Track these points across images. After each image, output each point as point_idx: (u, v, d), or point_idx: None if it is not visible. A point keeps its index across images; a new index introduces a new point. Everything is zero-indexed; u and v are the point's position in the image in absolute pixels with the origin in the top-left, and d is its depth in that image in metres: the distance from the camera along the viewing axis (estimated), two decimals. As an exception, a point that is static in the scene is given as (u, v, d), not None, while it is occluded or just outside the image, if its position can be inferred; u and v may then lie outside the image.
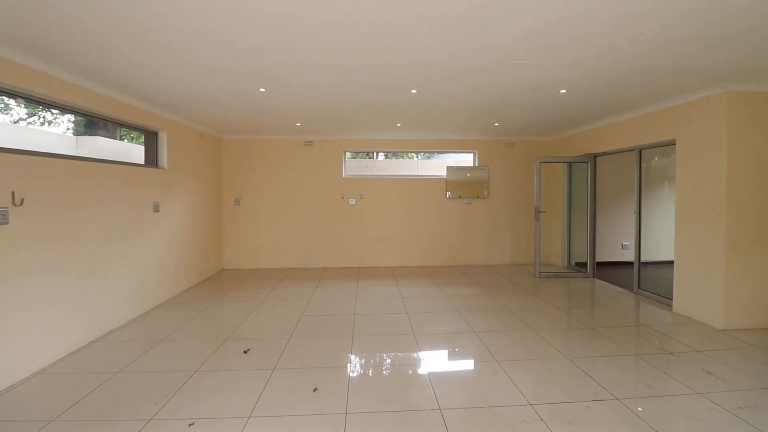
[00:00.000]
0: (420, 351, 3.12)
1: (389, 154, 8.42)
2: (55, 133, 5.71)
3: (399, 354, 3.08)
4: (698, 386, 2.55)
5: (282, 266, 6.49)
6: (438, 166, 7.70)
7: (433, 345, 3.26)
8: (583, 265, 6.08)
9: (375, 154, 8.46)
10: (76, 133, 6.69)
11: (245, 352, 3.08)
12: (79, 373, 2.76)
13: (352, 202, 6.54)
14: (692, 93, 3.78)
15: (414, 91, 3.58)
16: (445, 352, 3.13)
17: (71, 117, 6.58)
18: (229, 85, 3.46)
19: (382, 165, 8.44)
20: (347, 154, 6.79)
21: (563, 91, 3.61)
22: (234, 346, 3.22)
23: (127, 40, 2.48)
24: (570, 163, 6.26)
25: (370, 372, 2.77)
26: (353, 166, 7.24)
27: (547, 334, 3.45)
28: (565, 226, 6.38)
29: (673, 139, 4.15)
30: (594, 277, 5.72)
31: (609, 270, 6.09)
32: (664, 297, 4.42)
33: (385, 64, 2.89)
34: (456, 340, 3.36)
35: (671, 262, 4.15)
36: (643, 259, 4.96)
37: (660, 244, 5.74)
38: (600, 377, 2.66)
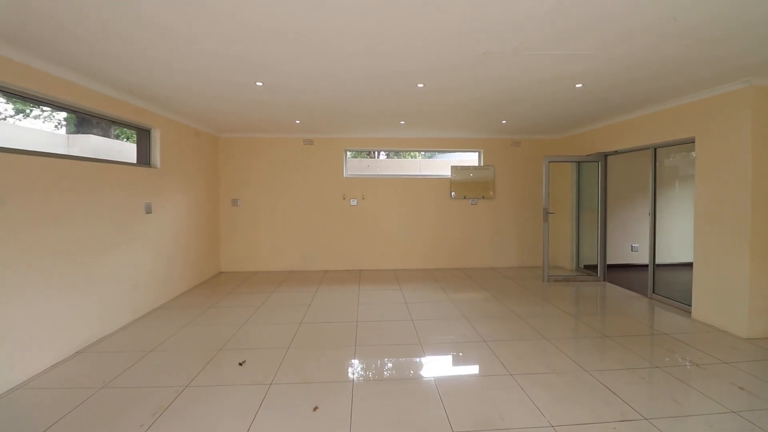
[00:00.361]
0: (428, 364, 2.92)
1: (391, 154, 8.21)
2: (44, 131, 5.50)
3: (405, 367, 2.87)
4: (732, 403, 2.34)
5: (281, 269, 6.29)
6: (441, 165, 7.49)
7: (442, 357, 3.06)
8: (592, 267, 5.88)
9: (377, 153, 8.25)
10: (69, 131, 6.46)
11: (240, 364, 2.88)
12: (61, 387, 2.56)
13: (354, 202, 6.34)
14: (714, 87, 3.57)
15: (421, 85, 3.37)
16: (455, 365, 2.92)
17: (63, 114, 6.36)
18: (225, 78, 3.26)
19: (383, 165, 8.23)
20: (348, 153, 6.58)
21: (579, 85, 3.40)
22: (228, 357, 3.02)
23: (120, 21, 2.27)
24: (579, 163, 6.05)
25: (375, 388, 2.56)
26: (354, 166, 7.03)
27: (562, 344, 3.25)
28: (574, 227, 6.17)
29: (693, 137, 3.94)
30: (605, 280, 5.51)
31: (619, 273, 5.89)
32: (682, 302, 4.22)
33: (392, 52, 2.68)
34: (466, 350, 3.15)
35: (685, 265, 3.95)
36: (656, 261, 4.75)
37: (671, 246, 5.54)
38: (624, 393, 2.46)
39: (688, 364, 2.90)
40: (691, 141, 3.99)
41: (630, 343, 3.28)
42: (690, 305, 4.01)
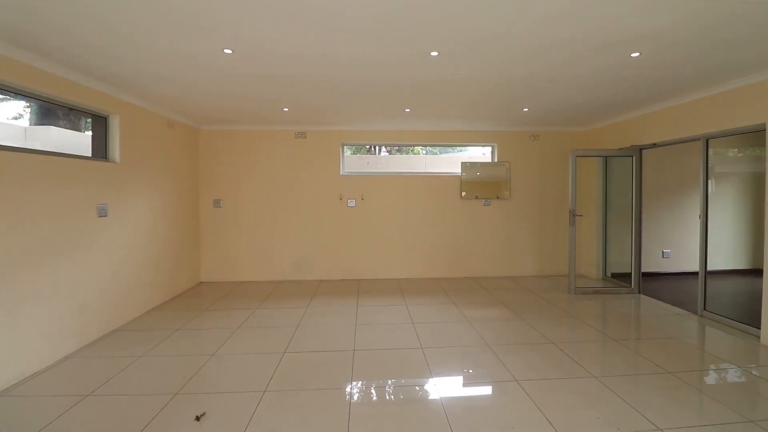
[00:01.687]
0: (447, 419, 2.20)
1: (393, 150, 7.51)
2: (-6, 120, 4.79)
3: (418, 425, 2.16)
4: None
5: (270, 279, 5.57)
6: (447, 162, 6.78)
7: (465, 408, 2.33)
8: (620, 276, 5.19)
9: (377, 149, 7.54)
10: (31, 122, 5.73)
11: (197, 418, 2.16)
12: (-57, 460, 1.85)
13: (352, 203, 5.63)
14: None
15: (434, 53, 2.65)
16: (484, 423, 2.20)
17: (24, 104, 5.64)
18: (182, 42, 2.55)
19: (385, 162, 7.53)
20: (347, 150, 5.88)
21: (635, 54, 2.67)
22: (184, 406, 2.30)
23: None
24: (607, 159, 5.35)
25: (377, 460, 1.85)
26: (353, 163, 6.32)
27: (617, 385, 2.53)
28: (600, 231, 5.46)
29: (762, 123, 3.24)
30: (639, 292, 4.80)
31: (651, 283, 5.18)
32: (743, 323, 3.51)
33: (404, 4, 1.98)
34: (495, 397, 2.44)
35: (726, 273, 3.27)
36: (690, 269, 4.05)
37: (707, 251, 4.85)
38: (726, 471, 1.75)
39: (788, 415, 2.20)
40: (761, 129, 3.29)
41: (703, 382, 2.58)
42: (757, 327, 3.32)
